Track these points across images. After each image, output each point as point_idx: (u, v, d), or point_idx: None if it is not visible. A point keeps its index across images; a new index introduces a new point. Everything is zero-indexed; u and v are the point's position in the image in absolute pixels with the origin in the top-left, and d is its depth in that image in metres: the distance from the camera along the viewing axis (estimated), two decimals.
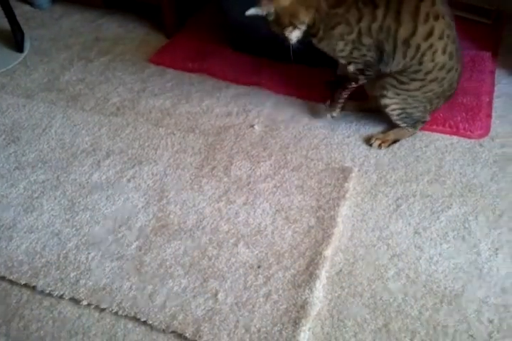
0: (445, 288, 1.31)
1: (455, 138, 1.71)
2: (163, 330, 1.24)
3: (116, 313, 1.26)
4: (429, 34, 1.45)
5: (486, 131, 1.72)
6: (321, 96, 1.82)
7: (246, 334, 1.22)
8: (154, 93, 1.93)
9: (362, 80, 1.64)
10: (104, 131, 1.75)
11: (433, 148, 1.68)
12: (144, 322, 1.25)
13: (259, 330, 1.22)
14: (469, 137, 1.71)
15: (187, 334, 1.22)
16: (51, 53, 2.13)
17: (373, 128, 1.75)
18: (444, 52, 1.48)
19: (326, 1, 1.50)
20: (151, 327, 1.24)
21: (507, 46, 2.09)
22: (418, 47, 1.47)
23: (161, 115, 1.83)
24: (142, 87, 1.96)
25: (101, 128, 1.76)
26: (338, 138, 1.73)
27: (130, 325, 1.25)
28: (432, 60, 1.49)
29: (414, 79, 1.54)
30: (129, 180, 1.58)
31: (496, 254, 1.38)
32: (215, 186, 1.56)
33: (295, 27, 1.53)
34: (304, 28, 1.54)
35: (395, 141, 1.69)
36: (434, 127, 1.72)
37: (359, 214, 1.49)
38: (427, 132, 1.72)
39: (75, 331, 1.25)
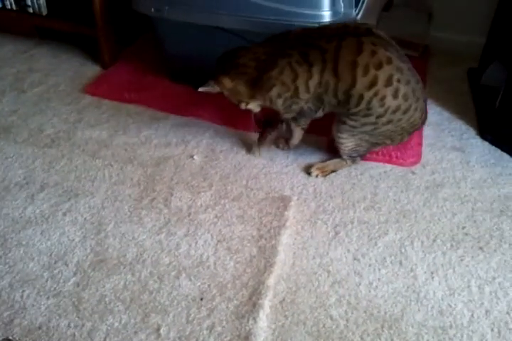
0: (385, 313, 1.34)
1: (388, 166, 1.77)
2: None
3: None
4: (372, 83, 1.44)
5: (418, 158, 1.80)
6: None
7: None
8: (90, 124, 1.90)
9: (295, 126, 1.71)
10: (38, 164, 1.71)
11: (368, 176, 1.73)
12: None
13: None
14: (402, 165, 1.77)
15: None
16: None
17: (310, 157, 1.79)
18: (395, 96, 1.47)
19: (255, 67, 1.54)
20: None
21: (432, 77, 2.21)
22: (361, 96, 1.47)
23: (97, 146, 1.80)
24: (78, 118, 1.93)
25: (35, 161, 1.72)
26: (276, 167, 1.76)
27: None
28: (382, 106, 1.48)
29: (365, 124, 1.55)
30: (64, 214, 1.54)
31: (432, 278, 1.43)
32: (155, 218, 1.54)
33: (247, 103, 1.62)
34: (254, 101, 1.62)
35: (332, 171, 1.73)
36: (369, 155, 1.77)
37: (300, 242, 1.51)
38: (361, 161, 1.77)
39: None
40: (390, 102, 1.48)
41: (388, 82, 1.45)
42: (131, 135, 1.86)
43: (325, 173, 1.72)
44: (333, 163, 1.74)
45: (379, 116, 1.52)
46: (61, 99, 2.02)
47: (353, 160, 1.72)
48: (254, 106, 1.64)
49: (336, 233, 1.54)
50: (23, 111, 1.95)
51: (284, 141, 1.81)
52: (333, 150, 1.74)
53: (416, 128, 1.65)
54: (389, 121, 1.54)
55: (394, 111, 1.51)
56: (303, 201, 1.64)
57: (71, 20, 2.16)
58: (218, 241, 1.49)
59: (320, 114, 1.63)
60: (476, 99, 2.08)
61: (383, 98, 1.47)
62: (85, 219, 1.53)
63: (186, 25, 1.84)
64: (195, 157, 1.77)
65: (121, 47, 2.27)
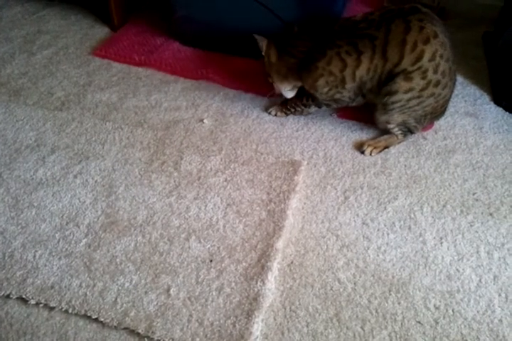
0: (393, 277, 1.35)
1: None
2: (115, 327, 1.21)
3: (66, 311, 1.23)
4: (418, 59, 1.46)
5: (430, 124, 1.77)
6: (269, 91, 1.82)
7: (199, 328, 1.22)
8: (100, 87, 1.89)
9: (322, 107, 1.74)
10: (49, 126, 1.71)
11: None
12: (96, 320, 1.22)
13: (212, 324, 1.22)
14: None
15: (139, 331, 1.20)
16: None
17: (320, 122, 1.78)
18: (435, 72, 1.49)
19: (302, 54, 1.60)
20: (103, 324, 1.22)
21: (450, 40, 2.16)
22: (404, 70, 1.49)
23: (107, 109, 1.79)
24: (88, 80, 1.92)
25: (45, 123, 1.72)
26: (287, 131, 1.75)
27: (81, 322, 1.23)
28: (423, 78, 1.49)
29: (410, 99, 1.54)
30: (75, 176, 1.55)
31: (441, 243, 1.43)
32: (165, 181, 1.55)
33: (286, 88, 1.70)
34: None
35: (385, 147, 1.70)
36: None
37: (309, 207, 1.51)
38: (373, 125, 1.76)
39: (23, 331, 1.21)
40: (431, 76, 1.49)
41: (433, 57, 1.47)
42: (141, 98, 1.85)
43: (378, 149, 1.68)
44: (385, 138, 1.70)
45: (422, 89, 1.52)
46: (71, 62, 2.00)
47: (404, 134, 1.68)
48: (289, 93, 1.72)
49: (346, 198, 1.54)
50: (32, 73, 1.94)
51: (300, 110, 1.79)
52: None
53: (442, 111, 1.68)
54: (432, 94, 1.54)
55: (435, 85, 1.52)
56: (313, 165, 1.63)
57: None
58: (228, 204, 1.49)
59: (353, 103, 1.67)
60: (491, 64, 2.04)
61: (425, 71, 1.48)
62: (96, 181, 1.54)
63: None
64: (205, 121, 1.76)
65: (130, 10, 2.24)
